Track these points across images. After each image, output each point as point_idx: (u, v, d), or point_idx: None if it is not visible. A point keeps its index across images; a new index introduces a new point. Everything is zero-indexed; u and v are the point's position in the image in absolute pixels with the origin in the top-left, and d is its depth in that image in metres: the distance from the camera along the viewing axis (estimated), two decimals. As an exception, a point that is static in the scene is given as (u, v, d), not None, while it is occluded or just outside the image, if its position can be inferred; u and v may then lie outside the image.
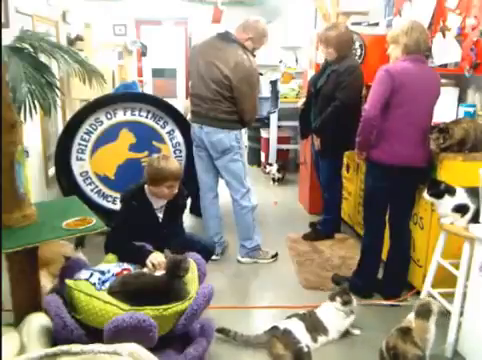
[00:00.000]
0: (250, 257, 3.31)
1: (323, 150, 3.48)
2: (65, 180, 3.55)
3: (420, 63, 2.50)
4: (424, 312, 2.06)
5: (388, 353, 1.99)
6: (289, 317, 2.36)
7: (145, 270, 2.23)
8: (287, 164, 6.02)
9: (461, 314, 2.20)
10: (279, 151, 5.81)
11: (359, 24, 4.53)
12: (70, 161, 3.52)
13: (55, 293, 1.98)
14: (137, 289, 1.97)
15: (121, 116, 3.52)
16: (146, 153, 3.52)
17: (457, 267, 2.25)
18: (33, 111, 2.38)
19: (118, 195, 3.45)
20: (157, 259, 2.24)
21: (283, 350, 2.15)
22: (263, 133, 6.00)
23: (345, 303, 2.39)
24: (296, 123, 4.95)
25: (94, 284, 2.00)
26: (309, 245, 3.61)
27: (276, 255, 3.39)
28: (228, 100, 2.99)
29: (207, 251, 2.66)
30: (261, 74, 3.41)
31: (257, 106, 3.17)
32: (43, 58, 2.65)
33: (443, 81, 2.90)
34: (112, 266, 2.19)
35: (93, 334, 1.84)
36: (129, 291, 1.95)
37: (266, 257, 3.35)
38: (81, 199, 2.40)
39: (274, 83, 5.73)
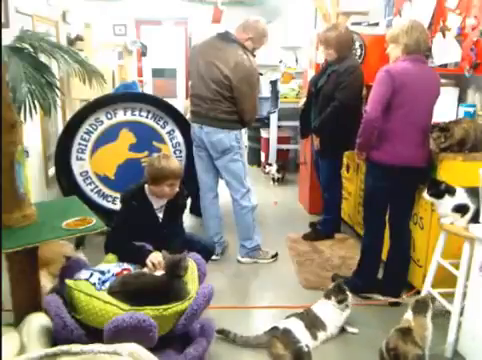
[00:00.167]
0: (250, 257, 3.31)
1: (323, 150, 3.48)
2: (65, 180, 3.55)
3: (420, 63, 2.50)
4: (421, 308, 2.07)
5: (388, 353, 1.99)
6: (288, 317, 2.36)
7: (145, 270, 2.23)
8: (287, 164, 6.02)
9: (461, 314, 2.20)
10: (279, 151, 5.81)
11: (359, 24, 4.53)
12: (70, 161, 3.52)
13: (55, 293, 1.98)
14: (137, 289, 1.97)
15: (121, 116, 3.52)
16: (146, 153, 3.52)
17: (457, 267, 2.25)
18: (33, 111, 2.38)
19: (118, 195, 3.45)
20: (157, 259, 2.24)
21: (283, 350, 2.15)
22: (263, 133, 6.00)
23: (340, 302, 2.41)
24: (296, 123, 4.95)
25: (94, 284, 2.00)
26: (309, 245, 3.61)
27: (276, 255, 3.39)
28: (228, 100, 2.99)
29: (207, 251, 2.66)
30: (261, 74, 3.41)
31: (257, 106, 3.17)
32: (43, 58, 2.65)
33: (443, 81, 2.90)
34: (112, 266, 2.19)
35: (93, 334, 1.84)
36: (129, 291, 1.95)
37: (266, 257, 3.35)
38: (81, 199, 2.40)
39: (274, 83, 5.73)
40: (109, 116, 3.51)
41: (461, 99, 3.17)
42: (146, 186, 2.49)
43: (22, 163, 1.92)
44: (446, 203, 2.27)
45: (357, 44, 3.87)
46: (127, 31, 7.53)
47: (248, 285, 3.07)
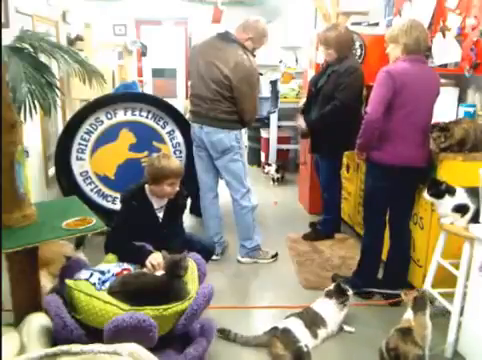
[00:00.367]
0: (250, 257, 3.31)
1: (322, 150, 3.49)
2: (65, 180, 3.55)
3: (420, 63, 2.50)
4: (420, 305, 2.07)
5: (388, 354, 1.99)
6: (287, 317, 2.36)
7: (145, 270, 2.23)
8: (287, 164, 6.02)
9: (461, 314, 2.20)
10: (279, 151, 5.81)
11: (359, 24, 4.53)
12: (70, 161, 3.52)
13: (55, 293, 1.98)
14: (137, 289, 1.97)
15: (121, 116, 3.52)
16: (146, 153, 3.51)
17: (457, 267, 2.25)
18: (33, 111, 2.38)
19: (118, 195, 3.45)
20: (157, 259, 2.24)
21: (283, 350, 2.15)
22: (263, 133, 6.00)
23: (341, 302, 2.43)
24: (296, 123, 4.96)
25: (94, 284, 2.00)
26: (309, 245, 3.61)
27: (276, 255, 3.39)
28: (228, 100, 2.99)
29: (207, 251, 2.67)
30: (261, 74, 3.41)
31: (257, 106, 3.17)
32: (43, 58, 2.65)
33: (443, 81, 2.90)
34: (112, 266, 2.19)
35: (93, 334, 1.84)
36: (129, 291, 1.95)
37: (266, 257, 3.35)
38: (81, 199, 2.40)
39: (274, 83, 5.73)
40: (109, 116, 3.51)
41: (461, 99, 3.16)
42: (146, 186, 2.50)
43: (22, 163, 1.92)
44: (446, 203, 2.27)
45: (357, 44, 3.87)
46: (127, 31, 7.54)
47: (248, 285, 3.07)
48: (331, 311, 2.42)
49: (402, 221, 2.73)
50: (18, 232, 1.86)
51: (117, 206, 3.38)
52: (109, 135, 3.52)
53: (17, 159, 1.87)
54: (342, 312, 2.44)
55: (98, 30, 5.44)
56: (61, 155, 3.51)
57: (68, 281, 1.97)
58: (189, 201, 3.63)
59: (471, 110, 2.90)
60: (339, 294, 2.45)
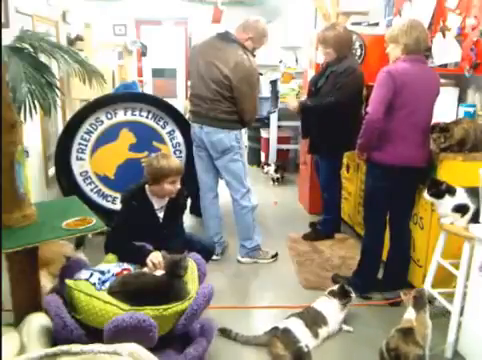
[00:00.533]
0: (250, 257, 3.31)
1: (320, 151, 3.51)
2: (65, 180, 3.54)
3: (420, 63, 2.50)
4: (420, 303, 2.08)
5: (389, 354, 1.99)
6: (288, 317, 2.36)
7: (145, 270, 2.23)
8: (287, 164, 6.02)
9: (461, 314, 2.20)
10: (279, 151, 5.81)
11: (359, 24, 4.53)
12: (70, 161, 3.52)
13: (55, 293, 1.98)
14: (137, 289, 1.97)
15: (121, 116, 3.52)
16: (146, 153, 3.51)
17: (457, 267, 2.25)
18: (33, 111, 2.38)
19: (118, 195, 3.46)
20: (157, 258, 2.24)
21: (283, 350, 2.15)
22: (263, 133, 6.00)
23: (343, 304, 2.44)
24: (296, 123, 4.97)
25: (94, 284, 2.00)
26: (309, 245, 3.61)
27: (276, 255, 3.39)
28: (228, 100, 2.99)
29: (207, 251, 2.67)
30: (261, 74, 3.41)
31: (257, 106, 3.17)
32: (43, 58, 2.65)
33: (443, 81, 2.90)
34: (112, 266, 2.19)
35: (93, 334, 1.84)
36: (129, 291, 1.95)
37: (266, 257, 3.35)
38: (81, 199, 2.40)
39: (274, 83, 5.73)
40: (109, 116, 3.51)
41: (461, 99, 3.16)
42: (146, 186, 2.50)
43: (22, 163, 1.92)
44: (446, 203, 2.27)
45: (357, 44, 3.87)
46: (127, 31, 7.53)
47: (248, 285, 3.07)
48: (333, 310, 2.42)
49: (402, 221, 2.73)
50: (18, 232, 1.86)
51: (117, 206, 3.38)
52: (109, 135, 3.52)
53: (17, 159, 1.87)
54: (342, 312, 2.45)
55: (98, 30, 5.44)
56: (61, 155, 3.51)
57: (68, 281, 1.97)
58: (189, 201, 3.64)
59: (471, 110, 2.90)
60: (342, 295, 2.45)
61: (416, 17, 2.66)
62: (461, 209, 2.24)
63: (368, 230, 2.81)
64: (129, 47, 6.05)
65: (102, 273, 2.08)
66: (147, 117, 3.56)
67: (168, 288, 1.97)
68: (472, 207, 2.22)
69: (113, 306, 1.88)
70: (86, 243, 2.73)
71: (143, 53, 6.93)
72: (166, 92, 7.73)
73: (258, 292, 2.96)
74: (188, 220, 3.98)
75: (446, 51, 3.03)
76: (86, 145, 3.52)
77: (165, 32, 8.22)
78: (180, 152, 3.67)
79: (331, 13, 4.43)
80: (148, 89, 7.64)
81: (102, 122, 3.50)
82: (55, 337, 1.86)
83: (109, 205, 3.62)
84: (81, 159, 3.54)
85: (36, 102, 2.39)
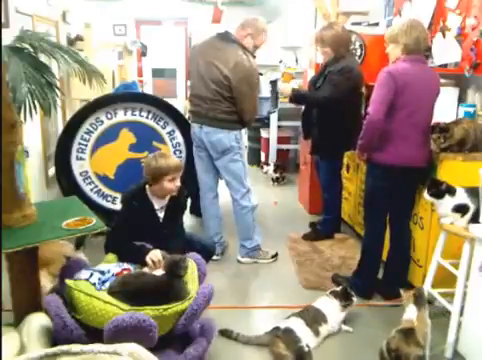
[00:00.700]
0: (250, 257, 3.31)
1: (321, 151, 3.50)
2: (65, 180, 3.55)
3: (420, 63, 2.50)
4: (421, 301, 2.08)
5: (389, 354, 1.98)
6: (288, 317, 2.36)
7: (145, 270, 2.23)
8: (287, 164, 6.01)
9: (461, 314, 2.20)
10: (279, 151, 5.81)
11: (359, 24, 4.53)
12: (70, 161, 3.52)
13: (55, 293, 1.98)
14: (137, 289, 1.97)
15: (121, 116, 3.52)
16: (146, 153, 3.50)
17: (457, 267, 2.25)
18: (33, 111, 2.39)
19: (118, 195, 3.46)
20: (157, 257, 2.24)
21: (285, 350, 2.15)
22: (263, 133, 6.00)
23: (344, 306, 2.44)
24: (296, 123, 4.96)
25: (94, 284, 2.00)
26: (309, 245, 3.61)
27: (276, 255, 3.39)
28: (228, 100, 2.99)
29: (207, 251, 2.67)
30: (261, 74, 3.40)
31: (257, 106, 3.17)
32: (43, 58, 2.65)
33: (443, 81, 2.90)
34: (112, 266, 2.19)
35: (93, 334, 1.84)
36: (129, 291, 1.95)
37: (266, 257, 3.35)
38: (81, 199, 2.40)
39: (274, 83, 5.72)
40: (109, 116, 3.51)
41: (461, 99, 3.16)
42: (147, 186, 2.50)
43: (22, 163, 1.92)
44: (446, 203, 2.27)
45: (357, 44, 3.87)
46: (127, 31, 7.54)
47: (248, 285, 3.07)
48: (332, 309, 2.42)
49: (402, 221, 2.73)
50: (18, 232, 1.86)
51: (117, 206, 3.38)
52: (109, 135, 3.52)
53: (17, 159, 1.87)
54: (342, 313, 2.45)
55: (98, 30, 5.44)
56: (61, 155, 3.51)
57: (68, 281, 1.97)
58: (189, 201, 3.64)
59: (471, 110, 2.90)
60: (344, 297, 2.45)
61: (416, 17, 2.66)
62: (461, 209, 2.24)
63: (368, 230, 2.81)
64: (129, 47, 6.05)
65: (102, 273, 2.08)
66: (147, 117, 3.56)
67: (168, 288, 1.97)
68: (472, 207, 2.21)
69: (113, 306, 1.88)
70: (86, 243, 2.73)
71: (143, 53, 6.93)
72: (166, 92, 7.73)
73: (258, 292, 2.96)
74: (188, 220, 3.98)
75: (446, 51, 3.03)
76: (86, 145, 3.52)
77: (165, 32, 8.22)
78: (180, 152, 3.67)
79: (331, 13, 4.43)
80: (148, 89, 7.64)
81: (102, 122, 3.50)
82: (55, 337, 1.86)
83: (109, 205, 3.62)
84: (81, 159, 3.54)
85: (36, 102, 2.39)
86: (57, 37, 4.20)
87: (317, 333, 2.31)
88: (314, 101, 3.35)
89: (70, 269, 2.13)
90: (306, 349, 2.15)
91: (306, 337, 2.23)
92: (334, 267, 3.21)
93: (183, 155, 3.67)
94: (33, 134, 3.55)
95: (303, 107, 3.72)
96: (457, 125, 2.55)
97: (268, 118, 5.73)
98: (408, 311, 2.10)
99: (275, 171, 5.48)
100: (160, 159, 2.43)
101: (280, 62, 6.73)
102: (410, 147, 2.51)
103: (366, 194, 2.78)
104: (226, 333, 2.36)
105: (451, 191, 2.27)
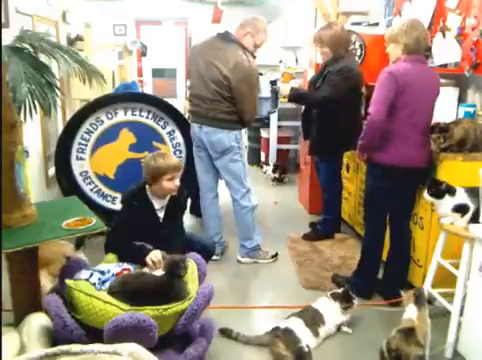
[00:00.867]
0: (250, 257, 3.31)
1: (319, 152, 3.50)
2: (65, 180, 3.54)
3: (420, 63, 2.50)
4: (421, 301, 2.08)
5: (389, 354, 1.98)
6: (288, 317, 2.36)
7: (145, 270, 2.23)
8: (287, 164, 6.01)
9: (461, 314, 2.20)
10: (279, 151, 5.81)
11: (359, 24, 4.54)
12: (70, 161, 3.52)
13: (55, 293, 1.98)
14: (137, 289, 1.97)
15: (121, 116, 3.52)
16: (146, 153, 3.49)
17: (457, 267, 2.25)
18: (33, 111, 2.38)
19: (118, 195, 3.46)
20: (157, 257, 2.24)
21: (285, 350, 2.15)
22: (263, 133, 6.00)
23: (344, 308, 2.43)
24: (296, 123, 4.97)
25: (94, 284, 2.00)
26: (309, 245, 3.61)
27: (276, 255, 3.39)
28: (227, 100, 2.99)
29: (207, 251, 2.66)
30: (261, 74, 3.41)
31: (257, 106, 3.17)
32: (43, 58, 2.65)
33: (443, 81, 2.90)
34: (112, 266, 2.19)
35: (93, 334, 1.84)
36: (129, 291, 1.95)
37: (266, 257, 3.35)
38: (81, 199, 2.40)
39: (274, 83, 5.72)
40: (109, 116, 3.51)
41: (461, 99, 3.16)
42: (147, 187, 2.50)
43: (22, 163, 1.92)
44: (446, 203, 2.27)
45: (357, 44, 3.87)
46: (127, 31, 7.54)
47: (248, 285, 3.07)
48: (331, 311, 2.42)
49: (402, 221, 2.73)
50: (18, 232, 1.86)
51: (117, 206, 3.38)
52: (109, 135, 3.52)
53: (17, 159, 1.87)
54: (341, 316, 2.44)
55: (98, 30, 5.44)
56: (61, 155, 3.51)
57: (68, 281, 1.97)
58: (189, 201, 3.64)
59: (471, 110, 2.90)
60: (344, 299, 2.44)
61: (416, 17, 2.66)
62: (461, 209, 2.24)
63: (368, 230, 2.81)
64: (129, 47, 6.05)
65: (102, 273, 2.08)
66: (147, 117, 3.56)
67: (168, 288, 1.97)
68: (472, 207, 2.21)
69: (113, 306, 1.88)
70: (86, 243, 2.73)
71: (143, 53, 6.93)
72: (166, 92, 7.73)
73: (258, 292, 2.97)
74: (188, 220, 3.98)
75: (446, 51, 3.03)
76: (86, 145, 3.52)
77: (165, 32, 8.22)
78: (180, 152, 3.67)
79: (331, 13, 4.43)
80: (148, 89, 7.65)
81: (102, 122, 3.50)
82: (55, 337, 1.86)
83: (109, 205, 3.62)
84: (81, 159, 3.54)
85: (36, 102, 2.39)
86: (57, 37, 4.20)
87: (316, 334, 2.31)
88: (313, 101, 3.35)
89: (70, 269, 2.13)
90: (306, 349, 2.15)
91: (306, 337, 2.23)
92: (334, 267, 3.21)
93: (183, 155, 3.67)
94: (33, 134, 3.55)
95: (303, 107, 3.72)
96: (457, 125, 2.55)
97: (268, 118, 5.72)
98: (408, 311, 2.10)
99: (275, 171, 5.47)
100: (159, 159, 2.43)
101: (280, 62, 6.72)
102: (410, 147, 2.51)
103: (366, 194, 2.78)
104: (226, 332, 2.36)
105: (451, 191, 2.27)
